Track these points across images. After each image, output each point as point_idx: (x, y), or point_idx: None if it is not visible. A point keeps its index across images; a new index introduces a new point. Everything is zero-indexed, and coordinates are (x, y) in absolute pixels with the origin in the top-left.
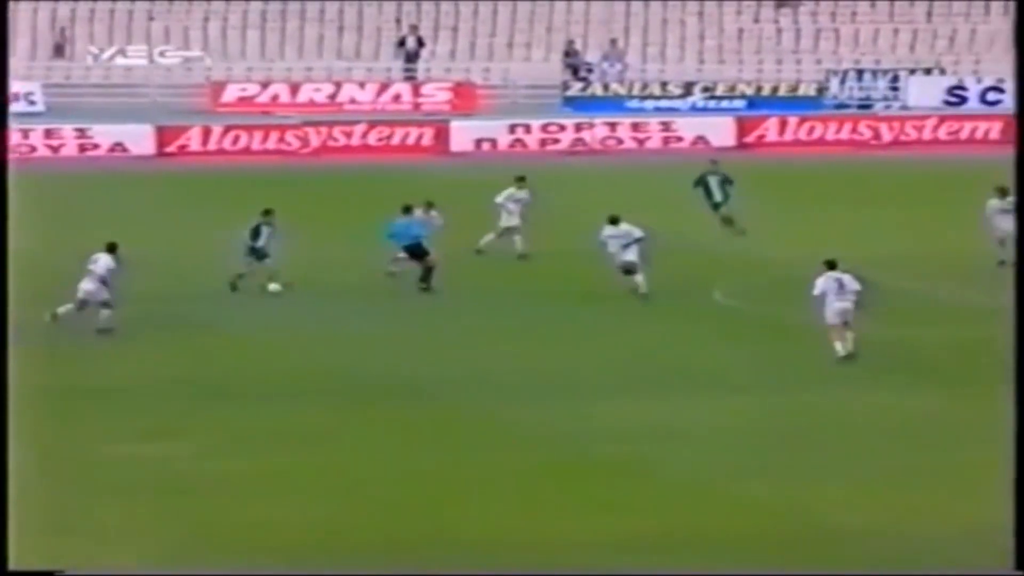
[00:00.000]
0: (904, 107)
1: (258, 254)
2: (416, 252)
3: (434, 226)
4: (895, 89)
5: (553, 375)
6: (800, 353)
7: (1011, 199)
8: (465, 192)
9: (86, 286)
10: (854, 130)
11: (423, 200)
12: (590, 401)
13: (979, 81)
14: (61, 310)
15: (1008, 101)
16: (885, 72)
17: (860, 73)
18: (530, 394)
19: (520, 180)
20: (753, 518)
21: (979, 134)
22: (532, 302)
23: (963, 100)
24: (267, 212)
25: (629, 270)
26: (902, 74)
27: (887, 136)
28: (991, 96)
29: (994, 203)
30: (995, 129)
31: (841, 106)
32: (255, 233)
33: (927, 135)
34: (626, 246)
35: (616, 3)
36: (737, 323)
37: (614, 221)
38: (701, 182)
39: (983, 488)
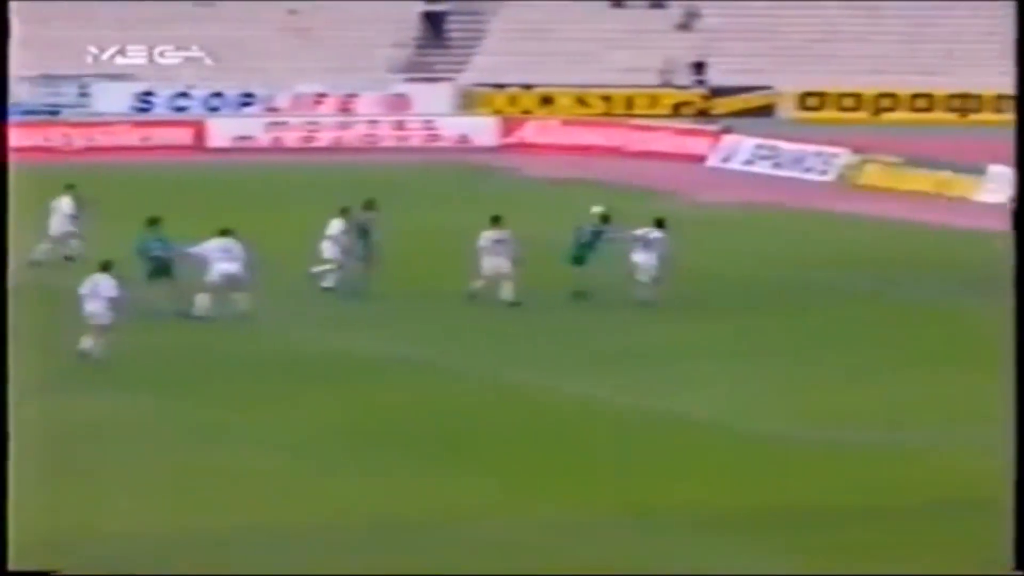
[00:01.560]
0: (94, 113)
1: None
2: None
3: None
4: (85, 95)
5: None
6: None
7: (495, 234)
8: None
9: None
10: (46, 137)
11: None
12: None
13: (168, 88)
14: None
15: (197, 108)
16: (75, 78)
17: (50, 79)
18: None
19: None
20: None
21: (170, 140)
22: None
23: (152, 106)
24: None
25: None
26: (90, 80)
27: (80, 143)
28: (180, 103)
29: (489, 232)
30: (186, 135)
31: (30, 112)
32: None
33: (120, 141)
34: None
35: None
36: None
37: None
38: None
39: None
